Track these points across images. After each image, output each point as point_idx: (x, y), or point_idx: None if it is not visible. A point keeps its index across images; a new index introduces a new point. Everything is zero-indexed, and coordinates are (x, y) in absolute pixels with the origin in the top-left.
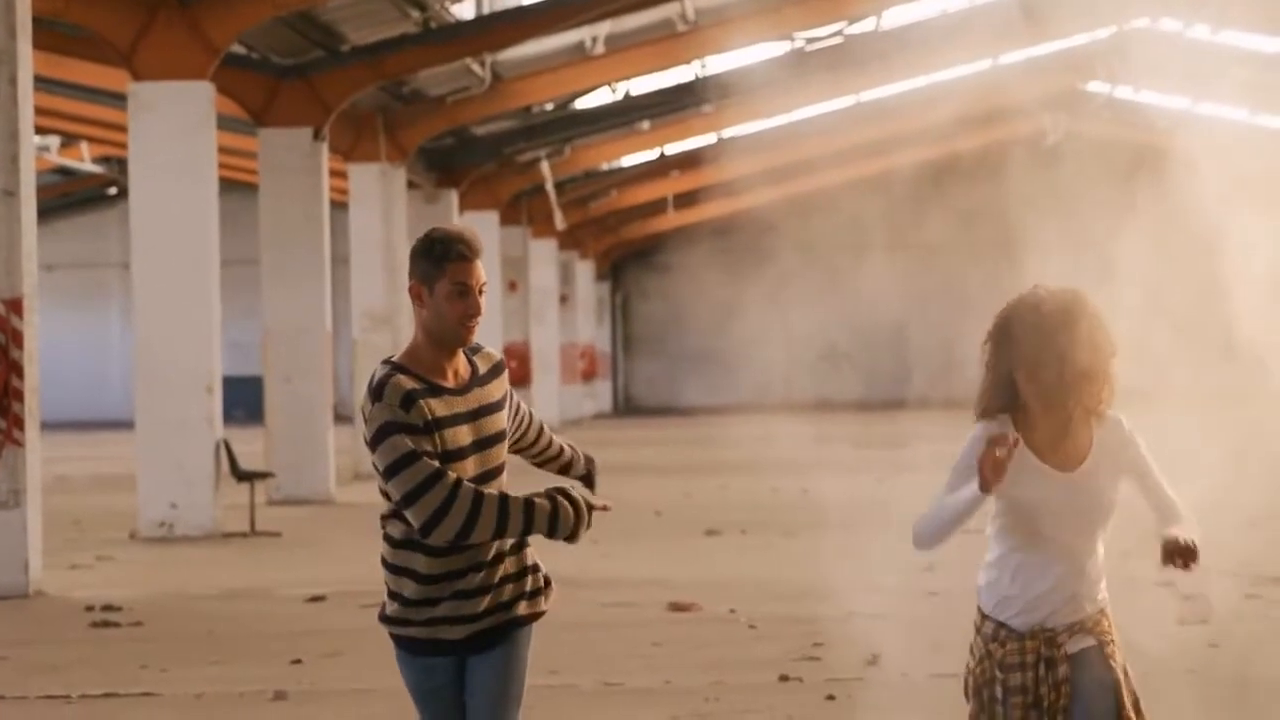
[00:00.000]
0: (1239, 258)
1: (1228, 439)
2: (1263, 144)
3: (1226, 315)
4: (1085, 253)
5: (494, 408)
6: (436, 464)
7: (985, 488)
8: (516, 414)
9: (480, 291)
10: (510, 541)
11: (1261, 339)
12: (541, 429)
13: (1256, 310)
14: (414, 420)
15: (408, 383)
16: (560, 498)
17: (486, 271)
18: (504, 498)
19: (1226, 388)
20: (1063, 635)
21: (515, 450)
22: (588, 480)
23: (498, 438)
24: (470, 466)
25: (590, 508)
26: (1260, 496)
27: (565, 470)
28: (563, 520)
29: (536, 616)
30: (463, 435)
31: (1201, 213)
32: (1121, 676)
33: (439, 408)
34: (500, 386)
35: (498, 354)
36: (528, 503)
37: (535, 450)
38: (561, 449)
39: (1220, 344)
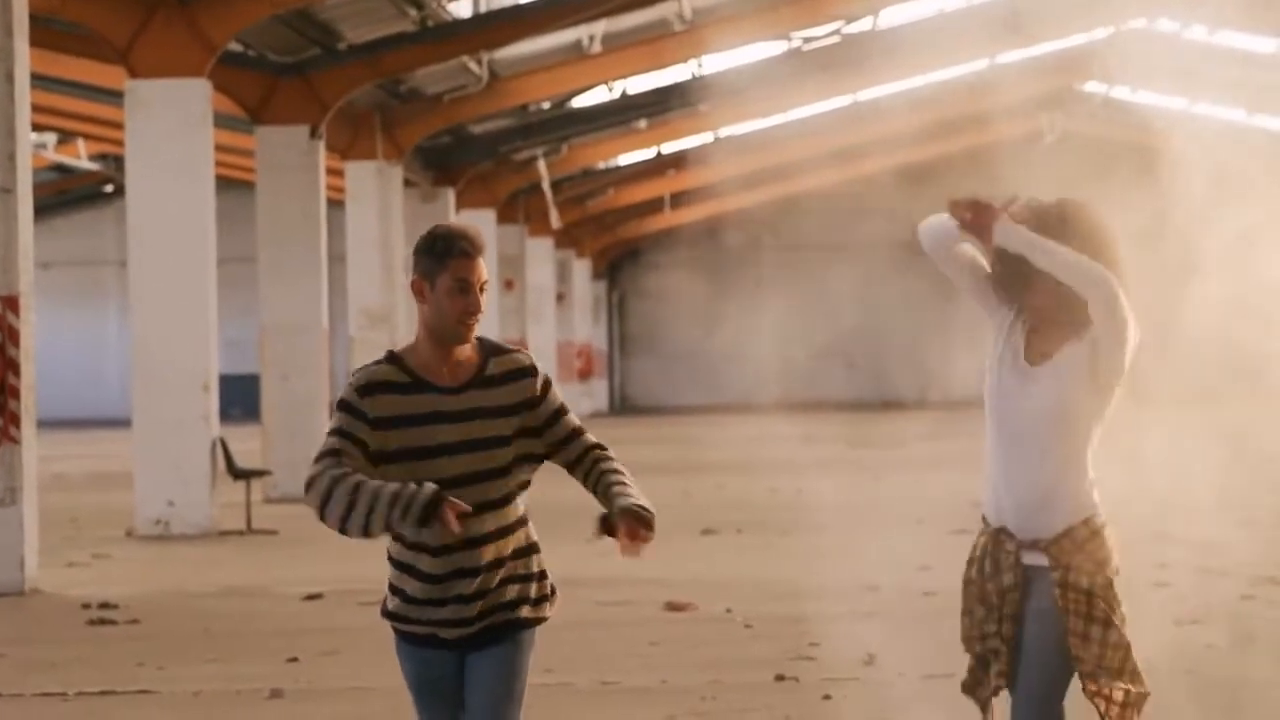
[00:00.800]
0: (1217, 257)
1: (1220, 439)
2: (1237, 141)
3: (1207, 318)
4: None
5: (495, 412)
6: (342, 443)
7: (953, 206)
8: (547, 425)
9: (481, 289)
10: (512, 547)
11: (1246, 342)
12: (587, 453)
13: (1239, 314)
14: (363, 408)
15: (383, 374)
16: (409, 485)
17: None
18: (358, 484)
19: (1213, 389)
20: (1012, 543)
21: (562, 465)
22: (605, 524)
23: (495, 442)
24: (456, 465)
25: (438, 501)
26: (1254, 496)
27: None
28: (401, 503)
29: (539, 621)
30: (444, 434)
31: (1175, 212)
32: (1070, 608)
33: (411, 405)
34: (516, 393)
35: (529, 359)
36: (378, 486)
37: (579, 473)
38: (612, 484)
39: (1203, 346)
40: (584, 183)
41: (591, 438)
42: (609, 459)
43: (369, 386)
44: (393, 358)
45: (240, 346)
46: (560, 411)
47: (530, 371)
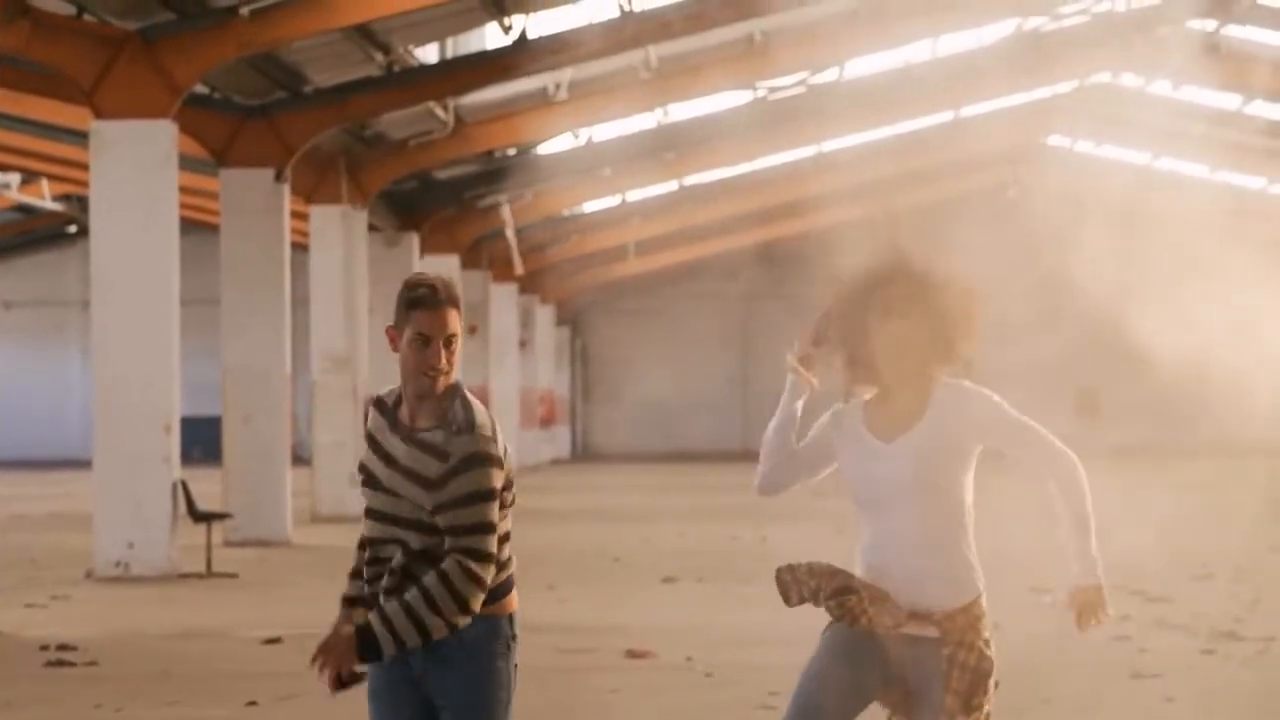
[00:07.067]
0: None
1: (1176, 494)
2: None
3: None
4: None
5: (415, 476)
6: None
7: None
8: (436, 510)
9: (448, 343)
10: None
11: (1204, 398)
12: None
13: (1200, 371)
14: (369, 426)
15: (374, 407)
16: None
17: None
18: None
19: (1171, 444)
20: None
21: None
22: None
23: (408, 502)
24: (377, 500)
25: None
26: (1213, 550)
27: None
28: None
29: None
30: (379, 467)
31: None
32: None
33: (375, 433)
34: (424, 466)
35: (477, 447)
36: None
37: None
38: (405, 598)
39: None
40: (548, 229)
41: (465, 542)
42: (444, 576)
43: (368, 411)
44: (380, 397)
45: (203, 388)
46: (453, 504)
47: (442, 455)
